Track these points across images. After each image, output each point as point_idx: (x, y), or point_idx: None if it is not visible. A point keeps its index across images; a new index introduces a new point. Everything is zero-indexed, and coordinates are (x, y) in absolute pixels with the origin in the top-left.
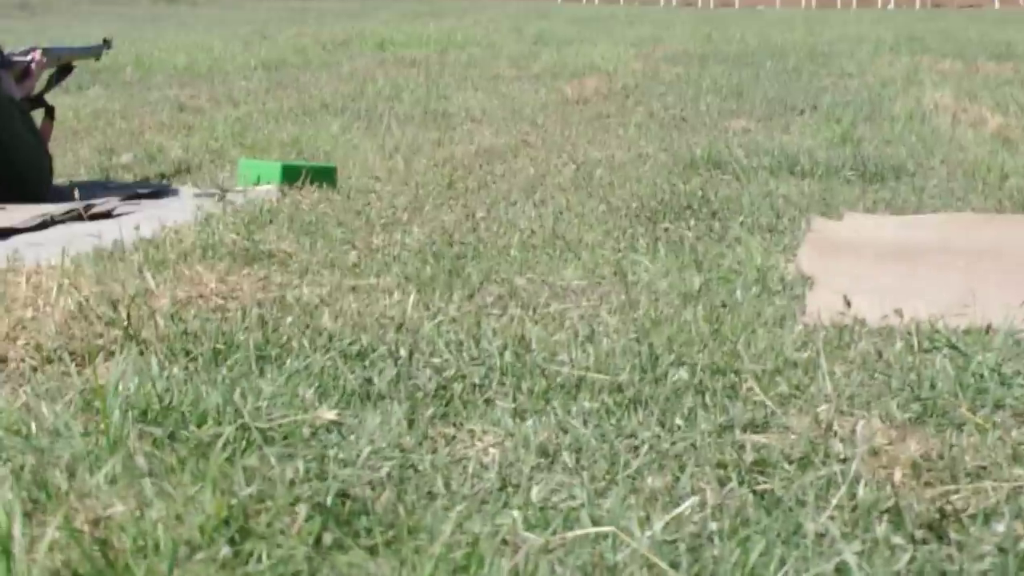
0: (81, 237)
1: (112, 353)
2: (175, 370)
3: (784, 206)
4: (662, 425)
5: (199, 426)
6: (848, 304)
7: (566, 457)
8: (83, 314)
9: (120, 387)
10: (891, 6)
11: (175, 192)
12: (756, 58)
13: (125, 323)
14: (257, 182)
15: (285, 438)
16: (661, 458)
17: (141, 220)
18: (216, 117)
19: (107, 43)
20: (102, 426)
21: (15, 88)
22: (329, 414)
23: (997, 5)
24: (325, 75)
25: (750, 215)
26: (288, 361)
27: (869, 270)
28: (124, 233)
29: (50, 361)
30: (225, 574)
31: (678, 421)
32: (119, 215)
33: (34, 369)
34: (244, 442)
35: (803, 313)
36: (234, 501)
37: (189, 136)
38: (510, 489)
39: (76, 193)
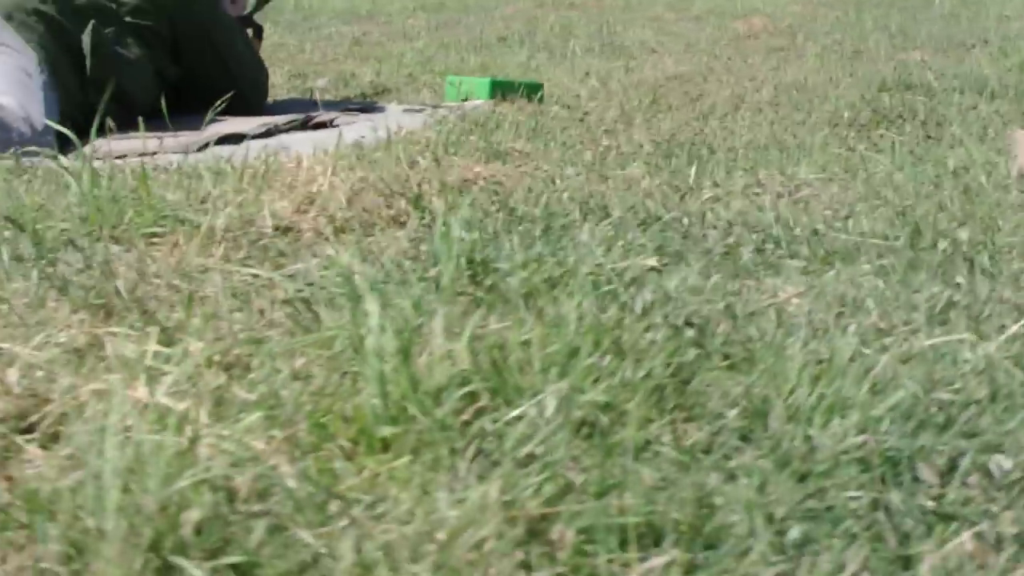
0: (315, 141)
1: (403, 223)
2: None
3: (989, 119)
4: (946, 284)
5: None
6: None
7: (870, 304)
8: (371, 187)
9: (454, 234)
10: None
11: (383, 108)
12: (911, 2)
13: (416, 192)
14: (466, 98)
15: (610, 282)
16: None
17: (363, 130)
18: (395, 49)
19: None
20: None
21: (230, 6)
22: (651, 260)
23: None
24: (487, 16)
25: (960, 125)
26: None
27: None
28: (353, 137)
29: (343, 231)
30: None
31: (959, 279)
32: (338, 125)
33: (326, 239)
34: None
35: None
36: (597, 323)
37: (380, 63)
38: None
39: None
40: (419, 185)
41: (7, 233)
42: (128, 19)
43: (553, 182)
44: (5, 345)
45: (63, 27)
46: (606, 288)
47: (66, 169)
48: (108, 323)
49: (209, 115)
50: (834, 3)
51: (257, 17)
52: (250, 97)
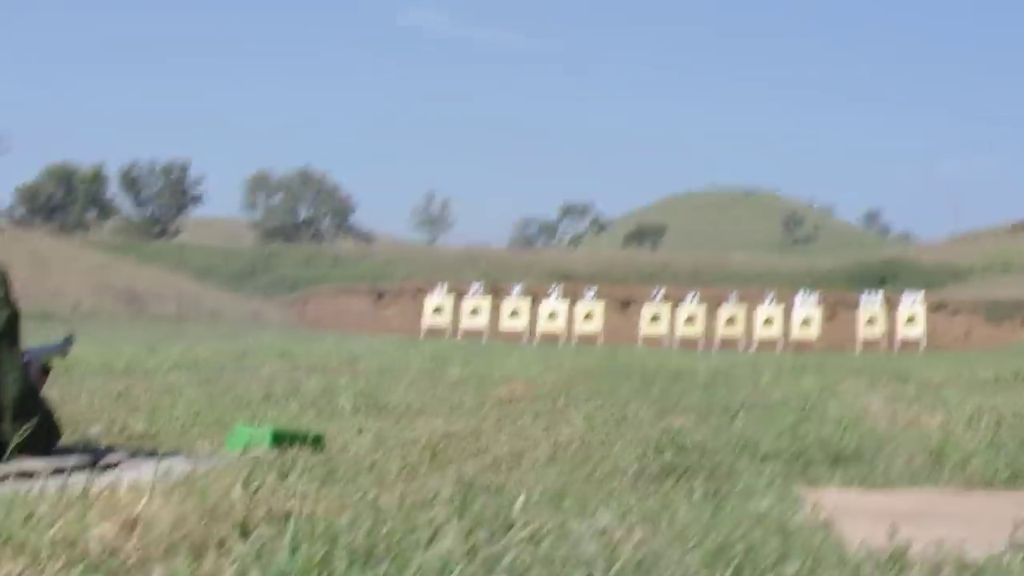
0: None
1: (228, 548)
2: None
3: (772, 476)
4: None
5: None
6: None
7: None
8: (195, 511)
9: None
10: (752, 349)
11: (164, 456)
12: (661, 375)
13: (241, 517)
14: (246, 446)
15: None
16: None
17: (151, 472)
18: (162, 402)
19: (68, 340)
20: None
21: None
22: None
23: (858, 351)
24: (247, 376)
25: (746, 481)
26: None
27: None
28: (144, 476)
29: (169, 554)
30: None
31: None
32: (123, 468)
33: (146, 560)
34: None
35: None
36: None
37: (153, 412)
38: None
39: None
40: (245, 511)
41: None
42: None
43: (377, 512)
44: None
45: None
46: None
47: None
48: None
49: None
50: (588, 372)
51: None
52: (37, 438)
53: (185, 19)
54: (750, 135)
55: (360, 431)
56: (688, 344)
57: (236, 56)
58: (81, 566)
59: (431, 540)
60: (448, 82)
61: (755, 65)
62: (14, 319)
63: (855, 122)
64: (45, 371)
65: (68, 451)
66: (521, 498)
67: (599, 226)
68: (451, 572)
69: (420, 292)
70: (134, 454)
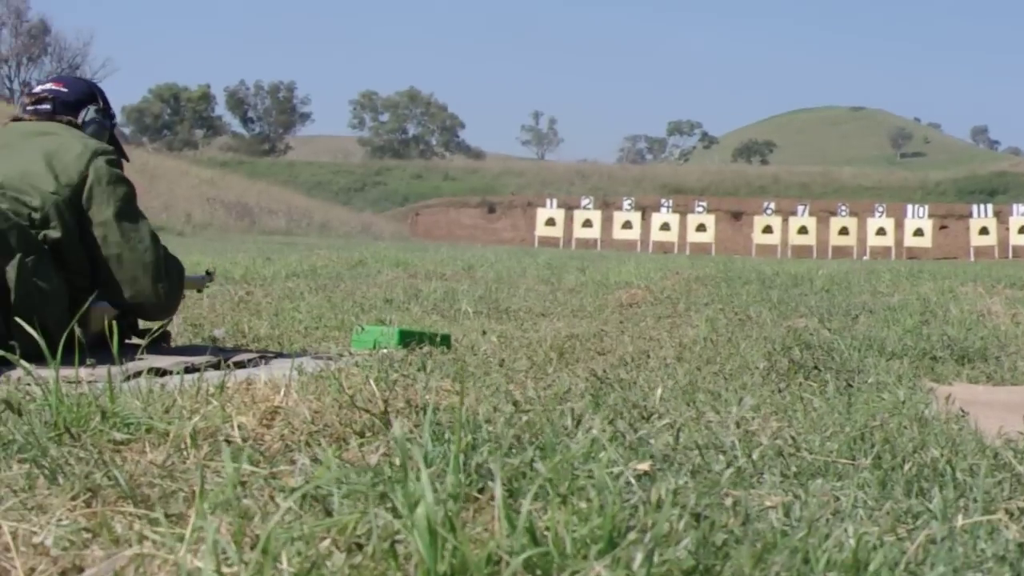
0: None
1: (368, 437)
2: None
3: (900, 372)
4: (922, 495)
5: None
6: None
7: (860, 512)
8: (334, 403)
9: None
10: (866, 257)
11: (291, 356)
12: (778, 281)
13: (382, 407)
14: (374, 347)
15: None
16: None
17: (280, 370)
18: (283, 306)
19: (209, 275)
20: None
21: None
22: (643, 465)
23: (972, 258)
24: (365, 282)
25: (876, 376)
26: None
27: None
28: (275, 374)
29: (309, 444)
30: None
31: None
32: (250, 366)
33: (297, 449)
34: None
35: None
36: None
37: (275, 316)
38: None
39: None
40: (385, 401)
41: None
42: (44, 234)
43: (515, 404)
44: (11, 524)
45: None
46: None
47: (31, 373)
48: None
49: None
50: (704, 279)
51: None
52: (169, 295)
53: None
54: (858, 54)
55: (484, 332)
56: (801, 253)
57: None
58: (225, 453)
59: (576, 426)
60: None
61: None
62: (131, 196)
63: (962, 39)
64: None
65: (195, 350)
66: (659, 389)
67: (708, 141)
68: (598, 455)
69: (531, 205)
70: (262, 355)
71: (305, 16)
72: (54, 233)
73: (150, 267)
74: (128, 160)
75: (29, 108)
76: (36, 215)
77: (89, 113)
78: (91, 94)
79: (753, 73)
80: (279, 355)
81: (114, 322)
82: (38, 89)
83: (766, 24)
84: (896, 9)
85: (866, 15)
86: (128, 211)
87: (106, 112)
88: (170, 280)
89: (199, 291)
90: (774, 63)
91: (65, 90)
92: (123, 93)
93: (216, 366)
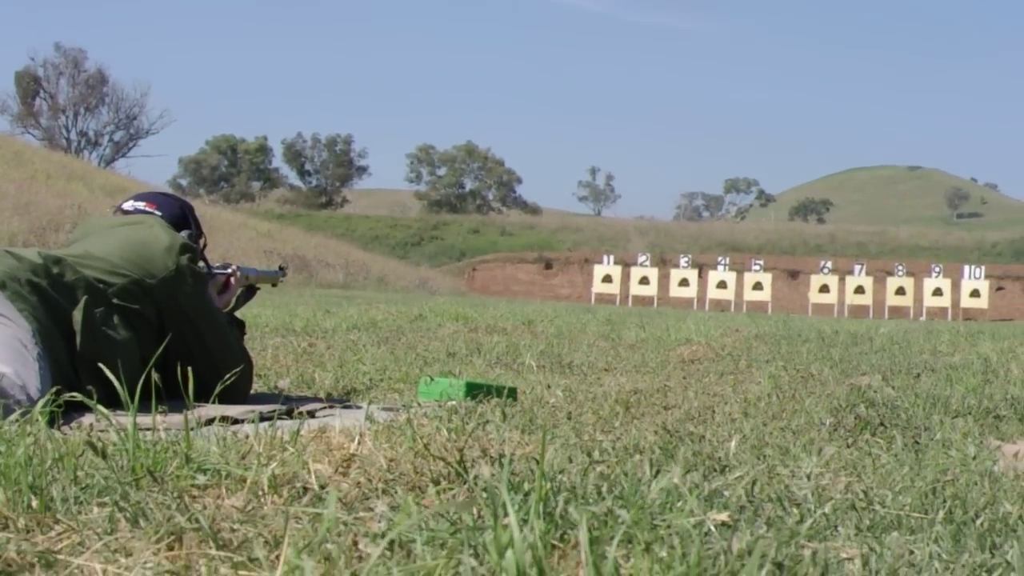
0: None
1: (444, 486)
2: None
3: (966, 430)
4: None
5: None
6: None
7: (936, 564)
8: (410, 451)
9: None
10: (923, 317)
11: (359, 406)
12: (838, 339)
13: (458, 456)
14: (441, 397)
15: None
16: None
17: (348, 420)
18: (347, 358)
19: (283, 270)
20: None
21: (216, 299)
22: (723, 516)
23: None
24: (427, 336)
25: (942, 434)
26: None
27: None
28: (347, 423)
29: (386, 492)
30: None
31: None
32: (319, 416)
33: (375, 496)
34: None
35: None
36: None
37: (340, 368)
38: None
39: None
40: (460, 450)
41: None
42: (116, 300)
43: (589, 454)
44: (100, 566)
45: (55, 301)
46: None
47: (108, 419)
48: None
49: (211, 398)
50: (764, 337)
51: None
52: (234, 387)
53: None
54: (915, 114)
55: (549, 386)
56: (858, 312)
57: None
58: (304, 500)
59: (654, 477)
60: (607, 61)
61: (916, 46)
62: (212, 298)
63: (1021, 100)
64: (251, 291)
65: (262, 399)
66: (733, 442)
67: (765, 199)
68: (677, 505)
69: (587, 262)
70: (330, 404)
71: (363, 69)
72: (131, 305)
73: (221, 364)
74: (212, 276)
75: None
76: (112, 289)
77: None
78: (183, 217)
79: (810, 131)
80: (346, 405)
81: (189, 368)
82: (128, 206)
83: (824, 83)
84: (953, 70)
85: (924, 76)
86: (207, 311)
87: (198, 234)
88: (241, 373)
89: (273, 285)
90: (831, 122)
91: (159, 213)
92: (180, 144)
93: (288, 414)
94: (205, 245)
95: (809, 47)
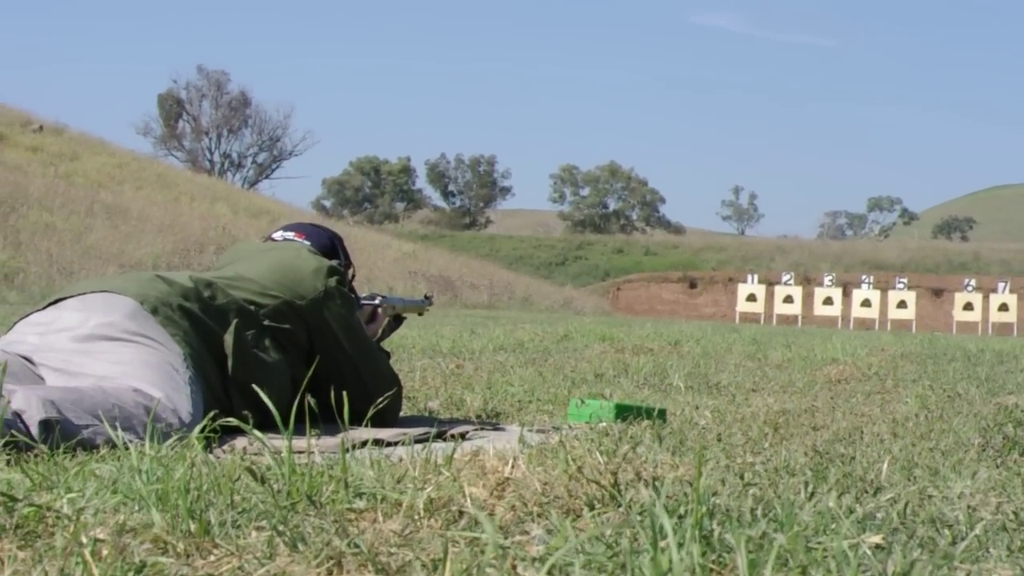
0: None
1: (598, 510)
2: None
3: None
4: None
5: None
6: None
7: None
8: (564, 475)
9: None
10: None
11: (509, 429)
12: (984, 357)
13: (612, 479)
14: (590, 419)
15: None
16: None
17: (500, 443)
18: (495, 379)
19: (428, 299)
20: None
21: (365, 326)
22: (876, 538)
23: None
24: (573, 356)
25: None
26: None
27: None
28: (499, 445)
29: (541, 515)
30: None
31: None
32: (471, 439)
33: (530, 520)
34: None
35: None
36: None
37: (488, 390)
38: None
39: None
40: (613, 473)
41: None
42: (267, 322)
43: (741, 477)
44: None
45: (206, 325)
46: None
47: (264, 443)
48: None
49: (364, 421)
50: (909, 356)
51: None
52: (384, 410)
53: (493, 19)
54: None
55: (697, 407)
56: (1003, 330)
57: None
58: (460, 524)
59: (808, 499)
60: (749, 80)
61: None
62: (359, 321)
63: None
64: (398, 320)
65: (410, 421)
66: (885, 464)
67: (908, 218)
68: (831, 527)
69: (732, 281)
70: (481, 426)
71: (505, 90)
72: (282, 325)
73: (372, 386)
74: (360, 307)
75: None
76: (263, 310)
77: None
78: (332, 247)
79: (953, 149)
80: (496, 427)
81: (343, 392)
82: (278, 236)
83: (967, 99)
84: None
85: None
86: (355, 333)
87: (346, 264)
88: (390, 396)
89: (420, 314)
90: (974, 139)
91: (307, 243)
92: (324, 166)
93: (440, 437)
94: (354, 276)
95: (952, 65)
